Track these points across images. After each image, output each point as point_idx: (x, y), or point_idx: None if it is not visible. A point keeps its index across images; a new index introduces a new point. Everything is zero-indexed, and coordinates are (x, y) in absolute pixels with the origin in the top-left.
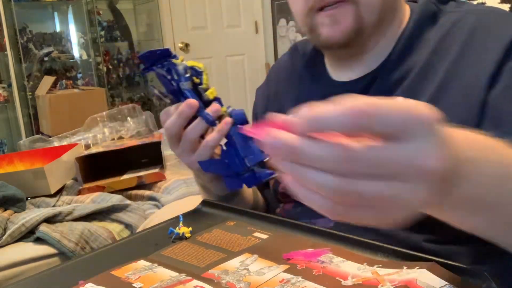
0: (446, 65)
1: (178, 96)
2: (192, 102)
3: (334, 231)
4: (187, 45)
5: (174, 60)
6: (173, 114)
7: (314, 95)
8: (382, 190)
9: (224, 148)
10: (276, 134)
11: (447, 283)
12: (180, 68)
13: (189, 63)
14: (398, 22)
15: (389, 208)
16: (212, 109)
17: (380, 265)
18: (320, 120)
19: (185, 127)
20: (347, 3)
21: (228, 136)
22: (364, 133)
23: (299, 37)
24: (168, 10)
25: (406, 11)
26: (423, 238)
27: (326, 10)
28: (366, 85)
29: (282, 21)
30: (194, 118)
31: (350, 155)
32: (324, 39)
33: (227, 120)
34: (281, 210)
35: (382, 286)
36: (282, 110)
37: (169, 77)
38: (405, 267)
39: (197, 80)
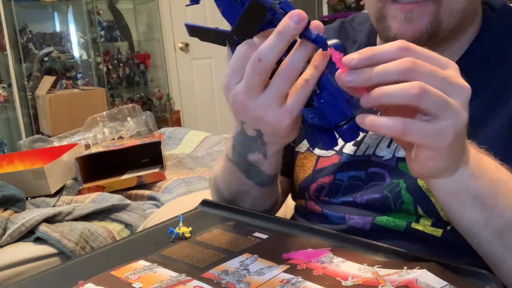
0: None
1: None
2: (300, 13)
3: (335, 231)
4: (187, 45)
5: None
6: (268, 37)
7: None
8: (443, 96)
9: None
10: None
11: (447, 283)
12: None
13: None
14: (474, 29)
15: (438, 118)
16: (316, 25)
17: (380, 265)
18: (376, 53)
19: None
20: (428, 0)
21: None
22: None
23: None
24: (168, 10)
25: (480, 15)
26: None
27: (403, 3)
28: None
29: None
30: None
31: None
32: (393, 34)
33: (325, 51)
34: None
35: (382, 286)
36: None
37: None
38: (405, 267)
39: None
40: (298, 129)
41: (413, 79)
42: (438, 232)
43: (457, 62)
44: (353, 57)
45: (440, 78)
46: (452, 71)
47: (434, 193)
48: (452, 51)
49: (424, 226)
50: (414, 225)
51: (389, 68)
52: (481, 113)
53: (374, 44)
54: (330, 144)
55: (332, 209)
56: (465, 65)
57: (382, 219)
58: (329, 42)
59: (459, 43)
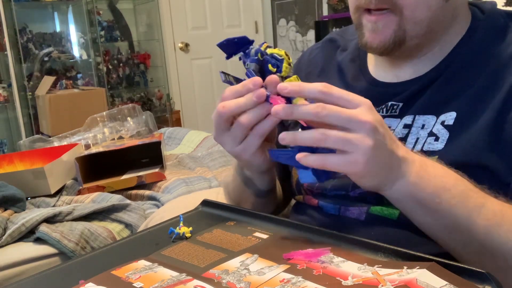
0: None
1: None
2: (256, 79)
3: (335, 232)
4: (187, 45)
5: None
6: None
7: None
8: (341, 135)
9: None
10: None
11: (447, 283)
12: (252, 51)
13: (269, 50)
14: (456, 30)
15: (345, 152)
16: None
17: (381, 265)
18: (303, 89)
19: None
20: (391, 12)
21: (305, 128)
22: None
23: (299, 37)
24: (168, 10)
25: (468, 17)
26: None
27: (371, 14)
28: (419, 89)
29: (282, 21)
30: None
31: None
32: (364, 42)
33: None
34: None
35: (382, 286)
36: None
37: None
38: (405, 267)
39: (273, 69)
40: (264, 162)
41: (322, 121)
42: None
43: (441, 63)
44: (286, 85)
45: (343, 118)
46: (362, 109)
47: (388, 199)
48: (434, 53)
49: None
50: None
51: (305, 111)
52: (467, 111)
53: (364, 53)
54: (305, 179)
55: (328, 200)
56: (450, 66)
57: (376, 209)
58: None
59: (440, 46)
